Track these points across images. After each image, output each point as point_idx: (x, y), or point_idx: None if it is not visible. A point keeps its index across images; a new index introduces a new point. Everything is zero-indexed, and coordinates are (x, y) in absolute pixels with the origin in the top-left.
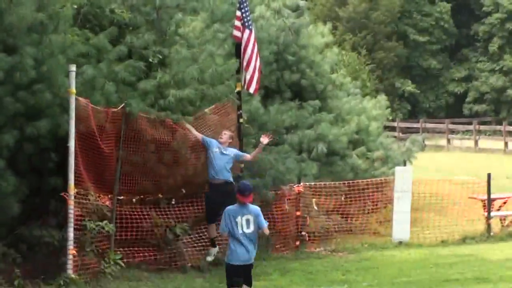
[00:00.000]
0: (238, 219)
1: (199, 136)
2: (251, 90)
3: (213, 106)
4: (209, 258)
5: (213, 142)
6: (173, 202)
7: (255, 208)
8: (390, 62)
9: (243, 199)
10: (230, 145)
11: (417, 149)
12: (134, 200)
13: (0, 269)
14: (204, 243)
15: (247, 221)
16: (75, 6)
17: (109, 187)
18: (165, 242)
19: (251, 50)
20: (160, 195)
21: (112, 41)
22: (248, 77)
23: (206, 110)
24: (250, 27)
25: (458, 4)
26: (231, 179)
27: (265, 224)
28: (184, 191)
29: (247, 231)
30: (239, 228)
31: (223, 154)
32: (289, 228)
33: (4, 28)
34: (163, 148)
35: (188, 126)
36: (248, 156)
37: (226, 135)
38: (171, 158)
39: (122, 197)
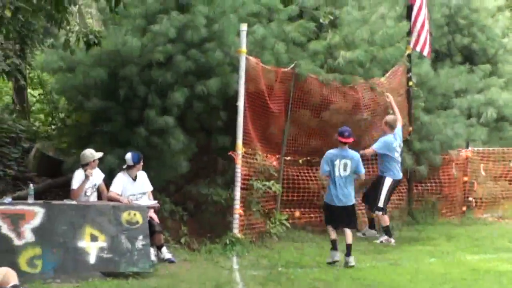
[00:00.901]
0: (337, 162)
1: (398, 117)
2: (425, 53)
3: (388, 73)
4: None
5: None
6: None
7: (355, 153)
8: None
9: (344, 139)
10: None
11: None
12: (300, 161)
13: (167, 226)
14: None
15: (345, 164)
16: None
17: (276, 147)
18: None
19: (424, 13)
20: None
21: (283, 1)
22: (422, 39)
23: (382, 78)
24: None
25: None
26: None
27: (362, 170)
28: None
29: (343, 174)
30: (336, 170)
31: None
32: (455, 193)
33: None
34: (329, 109)
35: (392, 101)
36: None
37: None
38: (337, 121)
39: (289, 158)
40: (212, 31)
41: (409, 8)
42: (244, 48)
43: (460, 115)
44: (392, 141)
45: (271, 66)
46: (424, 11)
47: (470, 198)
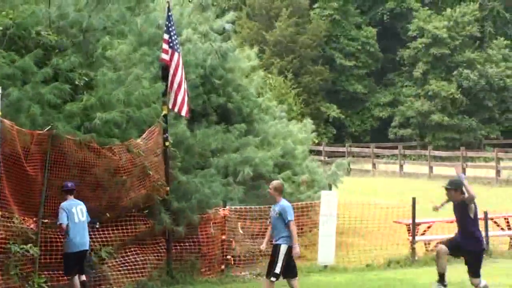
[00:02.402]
0: (73, 209)
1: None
2: (183, 113)
3: (145, 133)
4: None
5: None
6: (97, 226)
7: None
8: (316, 86)
9: (67, 189)
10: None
11: (343, 173)
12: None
13: None
14: (129, 267)
15: (81, 210)
16: (0, 28)
17: (34, 209)
18: (89, 265)
19: (181, 73)
20: None
21: (38, 63)
22: (179, 99)
23: (138, 139)
24: (178, 50)
25: (384, 29)
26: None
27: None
28: (108, 215)
29: (82, 219)
30: (75, 217)
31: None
32: (214, 251)
33: None
34: (87, 171)
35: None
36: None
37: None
38: (94, 182)
39: (46, 220)
40: None
41: (164, 69)
42: None
43: (217, 174)
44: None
45: (27, 129)
46: (181, 71)
47: (229, 256)
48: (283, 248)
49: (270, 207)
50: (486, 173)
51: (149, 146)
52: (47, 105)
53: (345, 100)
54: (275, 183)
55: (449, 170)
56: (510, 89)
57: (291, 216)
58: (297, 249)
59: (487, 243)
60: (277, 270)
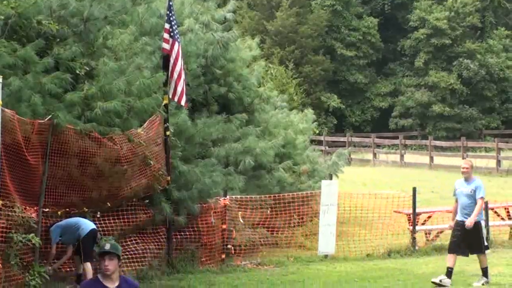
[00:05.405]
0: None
1: None
2: (182, 103)
3: (145, 123)
4: None
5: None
6: (98, 215)
7: None
8: (317, 76)
9: None
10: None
11: (343, 163)
12: (59, 213)
13: None
14: (129, 256)
15: None
16: (2, 17)
17: (35, 199)
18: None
19: (180, 63)
20: (85, 208)
21: (39, 53)
22: (179, 90)
23: (139, 129)
24: (179, 39)
25: (385, 19)
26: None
27: None
28: (109, 204)
29: None
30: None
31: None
32: (215, 241)
33: None
34: (88, 160)
35: None
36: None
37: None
38: (95, 171)
39: (47, 210)
40: None
41: (165, 59)
42: (0, 100)
43: (217, 163)
44: None
45: (28, 118)
46: (181, 61)
47: (229, 246)
48: (482, 224)
49: (271, 196)
50: (487, 163)
51: (150, 136)
52: (48, 95)
53: (346, 90)
54: (470, 161)
55: (450, 160)
56: (510, 79)
57: (484, 193)
58: (471, 222)
59: (488, 233)
60: (486, 243)
